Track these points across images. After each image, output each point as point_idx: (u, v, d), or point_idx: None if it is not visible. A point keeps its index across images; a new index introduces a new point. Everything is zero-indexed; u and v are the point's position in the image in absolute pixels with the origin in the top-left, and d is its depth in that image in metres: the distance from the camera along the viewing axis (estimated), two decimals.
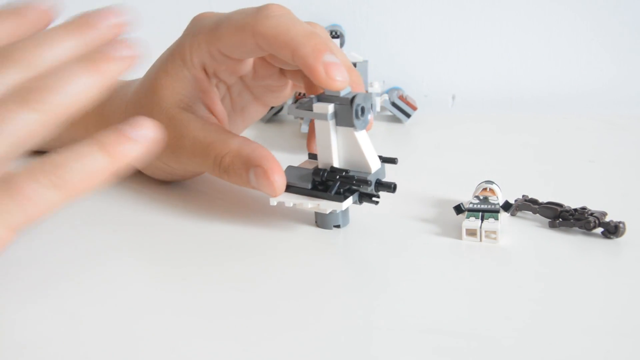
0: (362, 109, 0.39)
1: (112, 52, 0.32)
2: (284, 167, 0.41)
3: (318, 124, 0.40)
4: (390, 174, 0.55)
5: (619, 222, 0.40)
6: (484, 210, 0.41)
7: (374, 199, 0.41)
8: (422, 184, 0.50)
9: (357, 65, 0.71)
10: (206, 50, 0.44)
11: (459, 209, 0.41)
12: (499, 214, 0.40)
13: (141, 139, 0.32)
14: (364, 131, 0.40)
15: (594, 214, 0.41)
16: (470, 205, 0.41)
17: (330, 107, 0.38)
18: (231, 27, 0.42)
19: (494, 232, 0.39)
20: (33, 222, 0.30)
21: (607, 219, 0.41)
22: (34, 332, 0.31)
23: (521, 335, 0.30)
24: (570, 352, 0.29)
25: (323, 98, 0.39)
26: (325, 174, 0.40)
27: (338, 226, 0.42)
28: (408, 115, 0.72)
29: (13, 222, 0.30)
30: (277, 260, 0.38)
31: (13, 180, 0.30)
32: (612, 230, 0.40)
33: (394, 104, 0.73)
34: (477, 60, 0.82)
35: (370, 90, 0.71)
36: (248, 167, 0.41)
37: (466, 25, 0.82)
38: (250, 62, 0.47)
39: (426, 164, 0.58)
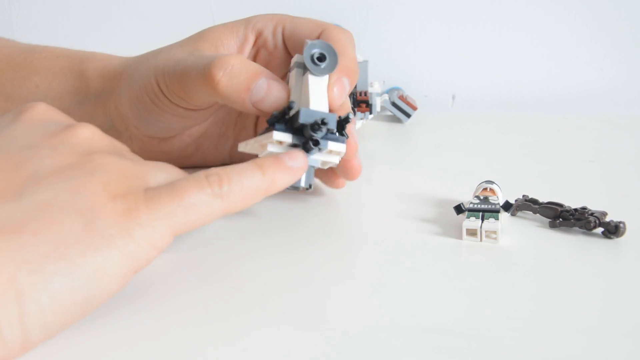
0: (322, 57, 0.40)
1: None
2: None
3: (291, 75, 0.42)
4: (390, 174, 0.55)
5: (619, 222, 0.40)
6: (484, 210, 0.41)
7: (310, 141, 0.39)
8: (422, 184, 0.50)
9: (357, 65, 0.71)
10: (273, 25, 0.47)
11: (459, 209, 0.41)
12: (499, 214, 0.40)
13: (295, 170, 0.36)
14: (323, 80, 0.41)
15: (594, 214, 0.41)
16: (471, 205, 0.41)
17: (298, 56, 0.42)
18: (309, 21, 0.47)
19: (494, 232, 0.39)
20: (190, 230, 0.32)
21: (607, 219, 0.41)
22: None
23: (521, 335, 0.30)
24: (570, 352, 0.29)
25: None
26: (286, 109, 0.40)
27: (309, 187, 0.41)
28: (408, 115, 0.72)
29: (175, 225, 0.32)
30: (274, 259, 0.38)
31: (179, 186, 0.32)
32: (612, 230, 0.40)
33: (394, 104, 0.73)
34: (477, 60, 0.82)
35: (370, 90, 0.71)
36: (259, 74, 0.41)
37: (466, 25, 0.82)
38: (285, 64, 0.48)
39: (426, 164, 0.58)
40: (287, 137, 0.39)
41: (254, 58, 0.49)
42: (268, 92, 0.41)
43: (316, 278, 0.36)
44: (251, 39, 0.48)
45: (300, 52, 0.43)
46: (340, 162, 0.42)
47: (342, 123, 0.40)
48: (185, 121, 0.49)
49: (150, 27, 0.84)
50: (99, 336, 0.30)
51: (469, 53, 0.82)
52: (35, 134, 0.33)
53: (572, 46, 0.81)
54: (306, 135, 0.39)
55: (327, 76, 0.41)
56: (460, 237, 0.40)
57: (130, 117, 0.50)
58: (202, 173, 0.33)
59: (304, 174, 0.40)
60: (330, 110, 0.41)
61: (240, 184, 0.34)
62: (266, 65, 0.49)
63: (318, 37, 0.46)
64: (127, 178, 0.32)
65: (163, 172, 0.34)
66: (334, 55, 0.40)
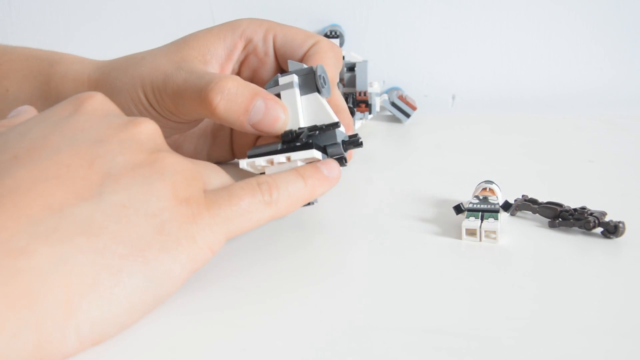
0: (324, 79, 0.41)
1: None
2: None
3: (284, 94, 0.41)
4: (390, 174, 0.56)
5: (619, 222, 0.40)
6: (484, 210, 0.41)
7: (343, 161, 0.41)
8: (422, 184, 0.50)
9: (357, 65, 0.71)
10: (264, 31, 0.47)
11: (458, 209, 0.41)
12: (499, 214, 0.40)
13: (331, 179, 0.39)
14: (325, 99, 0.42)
15: (594, 214, 0.41)
16: (470, 205, 0.41)
17: (295, 77, 0.41)
18: (301, 31, 0.47)
19: (494, 232, 0.40)
20: (242, 233, 0.35)
21: (606, 219, 0.41)
22: None
23: (521, 335, 0.30)
24: (570, 352, 0.29)
25: (286, 74, 0.42)
26: (294, 132, 0.40)
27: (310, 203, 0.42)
28: (408, 115, 0.72)
29: (231, 230, 0.34)
30: (273, 259, 0.38)
31: (235, 192, 0.34)
32: (612, 230, 0.40)
33: (393, 104, 0.73)
34: (477, 60, 0.82)
35: (370, 90, 0.71)
36: (255, 95, 0.41)
37: (466, 25, 0.82)
38: (273, 72, 0.49)
39: (426, 164, 0.58)
40: (318, 155, 0.41)
41: (241, 64, 0.48)
42: (266, 113, 0.41)
43: (316, 278, 0.36)
44: (240, 46, 0.47)
45: (291, 59, 0.46)
46: None
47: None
48: (172, 131, 0.48)
49: (150, 27, 0.84)
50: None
51: (469, 53, 0.82)
52: (102, 127, 0.33)
53: (572, 46, 0.81)
54: (333, 153, 0.41)
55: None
56: (460, 237, 0.40)
57: None
58: (254, 180, 0.35)
59: None
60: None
61: (286, 192, 0.36)
62: (255, 71, 0.49)
63: (311, 48, 0.46)
64: (191, 180, 0.33)
65: (214, 173, 0.36)
66: (327, 75, 0.42)
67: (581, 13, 0.81)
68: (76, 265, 0.28)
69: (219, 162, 0.53)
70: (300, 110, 0.41)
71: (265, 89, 0.42)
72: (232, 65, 0.48)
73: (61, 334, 0.27)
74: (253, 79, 0.49)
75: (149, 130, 0.34)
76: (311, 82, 0.41)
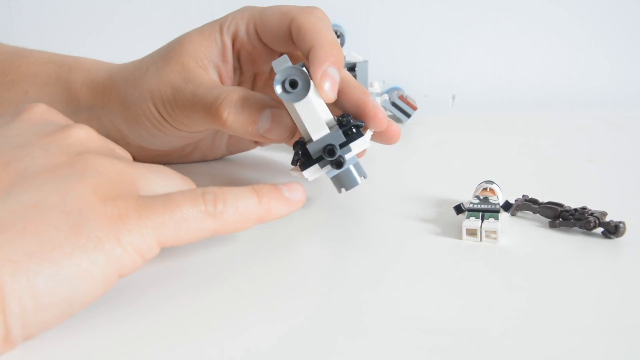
0: (293, 82, 0.38)
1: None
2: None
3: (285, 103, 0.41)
4: (390, 174, 0.55)
5: (619, 222, 0.40)
6: (484, 210, 0.41)
7: (333, 166, 0.41)
8: (422, 184, 0.50)
9: (357, 65, 0.71)
10: (244, 24, 0.47)
11: (459, 209, 0.41)
12: (499, 214, 0.40)
13: (292, 202, 0.36)
14: (307, 101, 0.39)
15: (594, 214, 0.41)
16: (471, 205, 0.41)
17: (276, 86, 0.39)
18: (276, 12, 0.46)
19: (494, 232, 0.39)
20: (178, 244, 0.32)
21: (607, 219, 0.41)
22: None
23: (521, 335, 0.30)
24: (570, 352, 0.29)
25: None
26: (302, 143, 0.41)
27: (365, 176, 0.43)
28: (408, 115, 0.72)
29: (164, 237, 0.31)
30: (273, 259, 0.38)
31: (173, 199, 0.32)
32: (612, 230, 0.40)
33: (394, 104, 0.73)
34: (477, 60, 0.82)
35: (370, 90, 0.71)
36: (263, 107, 0.42)
37: (466, 25, 0.82)
38: (270, 58, 0.48)
39: (426, 164, 0.58)
40: (317, 172, 0.41)
41: (239, 60, 0.49)
42: (273, 122, 0.42)
43: (315, 278, 0.36)
44: (229, 45, 0.48)
45: (278, 44, 0.45)
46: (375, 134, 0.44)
47: (350, 128, 0.41)
48: (187, 139, 0.49)
49: (150, 27, 0.84)
50: (100, 336, 0.30)
51: (469, 53, 0.82)
52: (29, 133, 0.33)
53: (572, 46, 0.81)
54: (329, 159, 0.40)
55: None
56: (460, 237, 0.40)
57: (129, 134, 0.50)
58: (199, 190, 0.33)
59: (355, 169, 0.42)
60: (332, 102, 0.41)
61: (234, 207, 0.33)
62: (253, 62, 0.49)
63: (289, 27, 0.44)
64: (119, 182, 0.31)
65: (160, 177, 0.34)
66: (302, 74, 0.39)
67: (581, 13, 0.81)
68: None
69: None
70: (295, 119, 0.41)
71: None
72: (229, 66, 0.48)
73: None
74: (256, 72, 0.50)
75: (79, 134, 0.33)
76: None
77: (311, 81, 0.39)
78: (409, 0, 0.81)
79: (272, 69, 0.49)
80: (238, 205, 0.33)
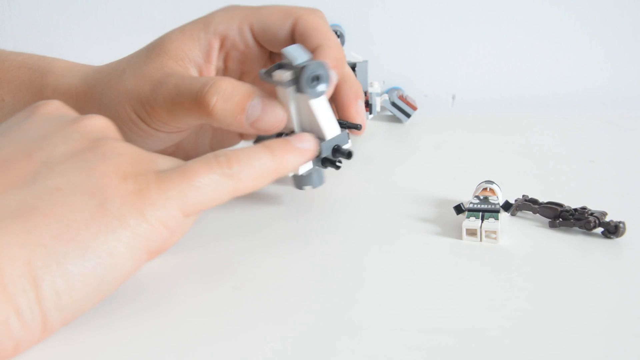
0: (317, 77, 0.39)
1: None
2: None
3: (279, 90, 0.41)
4: (390, 174, 0.55)
5: (619, 222, 0.40)
6: (484, 210, 0.41)
7: (336, 163, 0.41)
8: (422, 184, 0.50)
9: (357, 65, 0.71)
10: (237, 24, 0.45)
11: (459, 209, 0.41)
12: (499, 214, 0.40)
13: (304, 151, 0.37)
14: (322, 98, 0.40)
15: (594, 214, 0.41)
16: (471, 205, 0.41)
17: (288, 75, 0.39)
18: (276, 10, 0.45)
19: (494, 232, 0.40)
20: (203, 210, 0.33)
21: (607, 219, 0.41)
22: None
23: (521, 335, 0.30)
24: (569, 352, 0.29)
25: (283, 66, 0.40)
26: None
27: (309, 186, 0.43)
28: (408, 115, 0.72)
29: (187, 205, 0.32)
30: (273, 259, 0.38)
31: (189, 167, 0.33)
32: (612, 230, 0.40)
33: (394, 104, 0.73)
34: (477, 60, 0.82)
35: (370, 90, 0.71)
36: (252, 94, 0.40)
37: (466, 25, 0.82)
38: (261, 58, 0.47)
39: (426, 164, 0.58)
40: (308, 167, 0.40)
41: (225, 61, 0.47)
42: (264, 110, 0.40)
43: (315, 278, 0.36)
44: (215, 45, 0.46)
45: (276, 44, 0.45)
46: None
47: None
48: (165, 142, 0.47)
49: (149, 27, 0.84)
50: (100, 335, 0.30)
51: (469, 53, 0.82)
52: (49, 125, 0.33)
53: (572, 46, 0.81)
54: (330, 159, 0.41)
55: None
56: (460, 237, 0.40)
57: None
58: (211, 154, 0.33)
59: (316, 174, 0.42)
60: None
61: (249, 165, 0.34)
62: (242, 63, 0.47)
63: (293, 28, 0.44)
64: (138, 161, 0.32)
65: (169, 159, 0.34)
66: (326, 71, 0.39)
67: (581, 13, 0.81)
68: (4, 247, 0.27)
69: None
70: (292, 110, 0.41)
71: (260, 75, 0.40)
72: (212, 66, 0.47)
73: (2, 318, 0.27)
74: (243, 72, 0.48)
75: (97, 123, 0.34)
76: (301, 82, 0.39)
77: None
78: (409, 0, 0.81)
79: (255, 79, 0.48)
80: (253, 163, 0.34)
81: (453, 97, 0.82)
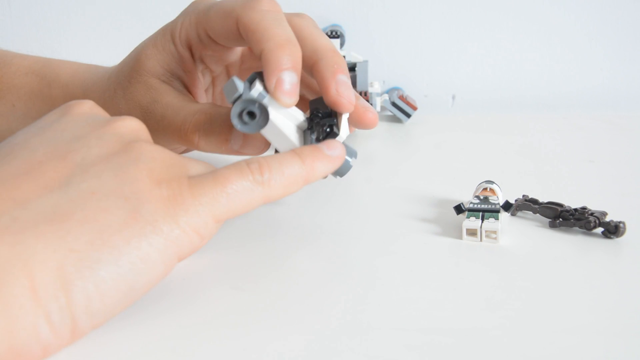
0: (249, 113, 0.37)
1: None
2: None
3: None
4: (390, 174, 0.55)
5: (619, 222, 0.40)
6: (484, 210, 0.41)
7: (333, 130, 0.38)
8: (422, 184, 0.50)
9: (357, 65, 0.71)
10: (194, 31, 0.44)
11: (459, 209, 0.41)
12: (499, 214, 0.40)
13: (334, 159, 0.36)
14: (271, 124, 0.37)
15: (594, 214, 0.41)
16: (471, 205, 0.41)
17: (236, 120, 0.37)
18: (220, 12, 0.42)
19: (494, 232, 0.40)
20: (233, 216, 0.33)
21: (607, 219, 0.41)
22: None
23: (521, 335, 0.30)
24: (569, 352, 0.29)
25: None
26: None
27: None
28: (408, 115, 0.72)
29: (219, 211, 0.32)
30: (273, 259, 0.38)
31: (221, 174, 0.33)
32: (612, 230, 0.40)
33: (394, 104, 0.73)
34: (477, 60, 0.82)
35: (370, 90, 0.71)
36: (231, 126, 0.40)
37: (466, 25, 0.82)
38: (237, 51, 0.47)
39: (426, 164, 0.58)
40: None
41: (204, 63, 0.46)
42: (245, 138, 0.40)
43: (315, 278, 0.36)
44: (186, 55, 0.45)
45: (233, 44, 0.43)
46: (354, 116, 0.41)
47: (322, 131, 0.39)
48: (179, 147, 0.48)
49: (149, 27, 0.84)
50: (100, 335, 0.30)
51: (469, 53, 0.82)
52: (82, 126, 0.33)
53: (572, 47, 0.81)
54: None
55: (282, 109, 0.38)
56: (460, 237, 0.40)
57: None
58: (243, 162, 0.33)
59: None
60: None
61: (280, 172, 0.34)
62: (220, 61, 0.46)
63: (236, 27, 0.40)
64: (171, 166, 0.32)
65: (200, 164, 0.34)
66: (259, 105, 0.37)
67: (581, 14, 0.81)
68: (37, 252, 0.27)
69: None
70: (267, 137, 0.38)
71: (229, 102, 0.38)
72: (193, 73, 0.46)
73: (31, 322, 0.27)
74: (224, 63, 0.48)
75: (131, 125, 0.34)
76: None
77: (267, 96, 0.37)
78: (409, 0, 0.81)
79: (242, 56, 0.47)
80: (284, 170, 0.34)
81: (453, 97, 0.82)
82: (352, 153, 0.39)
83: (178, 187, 0.31)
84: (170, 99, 0.44)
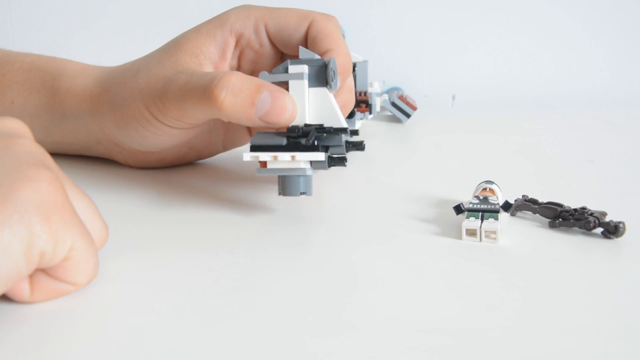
0: (334, 73, 0.42)
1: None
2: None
3: (293, 84, 0.42)
4: (390, 174, 0.56)
5: (619, 222, 0.40)
6: (484, 210, 0.41)
7: (343, 161, 0.42)
8: (422, 184, 0.50)
9: (357, 65, 0.71)
10: (253, 23, 0.47)
11: (458, 209, 0.41)
12: (499, 214, 0.40)
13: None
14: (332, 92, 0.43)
15: (594, 214, 0.41)
16: (470, 205, 0.41)
17: (306, 68, 0.41)
18: (293, 12, 0.47)
19: (494, 232, 0.40)
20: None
21: (607, 219, 0.41)
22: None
23: (521, 335, 0.30)
24: (569, 352, 0.29)
25: (297, 62, 0.42)
26: (301, 130, 0.40)
27: (304, 193, 0.42)
28: (408, 115, 0.72)
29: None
30: (272, 259, 0.38)
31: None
32: (612, 230, 0.40)
33: (394, 104, 0.73)
34: (477, 60, 0.82)
35: (370, 90, 0.71)
36: (261, 87, 0.41)
37: (466, 25, 0.82)
38: (273, 59, 0.48)
39: (426, 164, 0.58)
40: (322, 157, 0.41)
41: (239, 59, 0.49)
42: (273, 104, 0.41)
43: (315, 277, 0.36)
44: (231, 43, 0.47)
45: (290, 46, 0.47)
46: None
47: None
48: (178, 138, 0.48)
49: (149, 27, 0.84)
50: (96, 335, 0.30)
51: (469, 53, 0.82)
52: None
53: (572, 47, 0.82)
54: (335, 152, 0.42)
55: None
56: (460, 237, 0.40)
57: (120, 138, 0.49)
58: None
59: (304, 181, 0.42)
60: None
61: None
62: (254, 62, 0.49)
63: (306, 29, 0.47)
64: (51, 162, 0.31)
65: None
66: (336, 69, 0.43)
67: (581, 14, 0.81)
68: None
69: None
70: (307, 103, 0.42)
71: (273, 73, 0.42)
72: (227, 63, 0.48)
73: None
74: (254, 70, 0.49)
75: (14, 124, 0.33)
76: (322, 76, 0.41)
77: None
78: (409, 0, 0.81)
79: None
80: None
81: (453, 97, 0.82)
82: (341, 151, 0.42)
83: (58, 171, 0.31)
84: (196, 70, 0.45)
